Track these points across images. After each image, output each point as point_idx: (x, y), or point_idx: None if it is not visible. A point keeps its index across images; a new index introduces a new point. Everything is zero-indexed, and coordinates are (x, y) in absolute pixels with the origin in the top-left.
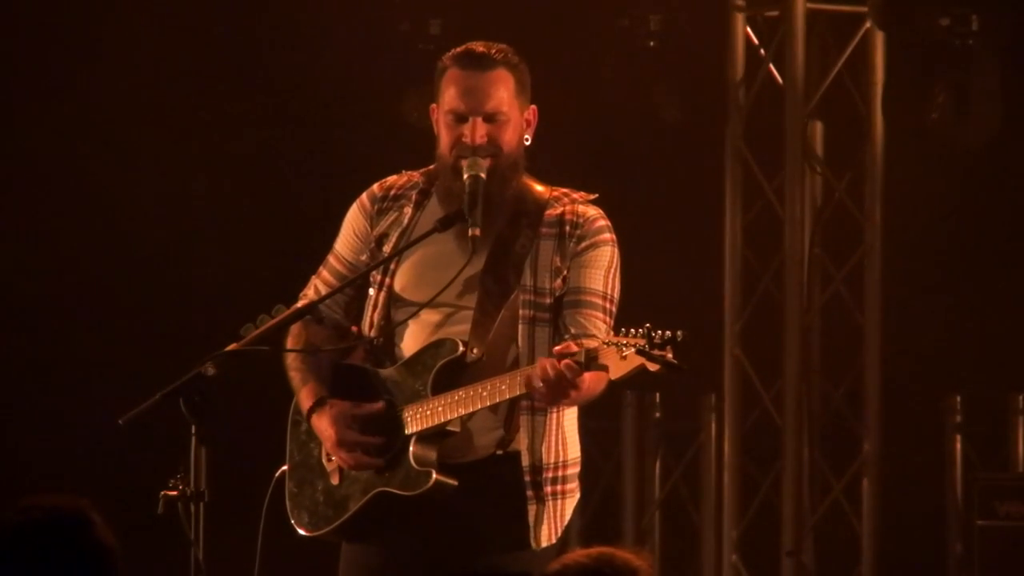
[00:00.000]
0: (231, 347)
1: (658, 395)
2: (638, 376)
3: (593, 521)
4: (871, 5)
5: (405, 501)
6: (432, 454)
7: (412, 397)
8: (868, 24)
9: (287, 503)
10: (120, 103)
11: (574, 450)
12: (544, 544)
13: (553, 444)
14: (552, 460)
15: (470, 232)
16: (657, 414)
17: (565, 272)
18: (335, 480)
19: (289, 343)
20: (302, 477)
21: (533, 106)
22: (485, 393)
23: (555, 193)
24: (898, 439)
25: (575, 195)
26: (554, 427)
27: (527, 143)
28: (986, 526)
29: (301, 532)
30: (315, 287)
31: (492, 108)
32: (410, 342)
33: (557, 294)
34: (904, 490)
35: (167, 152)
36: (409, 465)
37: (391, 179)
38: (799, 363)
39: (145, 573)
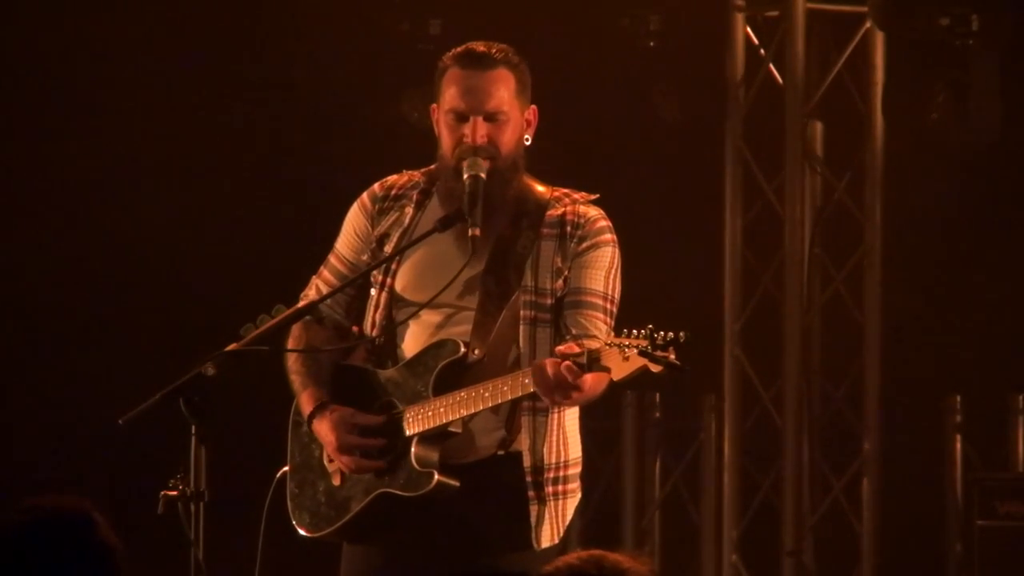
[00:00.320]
0: (231, 347)
1: (658, 395)
2: (640, 377)
3: (593, 521)
4: (871, 5)
5: (407, 502)
6: (434, 455)
7: (413, 398)
8: (868, 24)
9: (288, 504)
10: (120, 103)
11: (575, 450)
12: (546, 544)
13: (555, 444)
14: (554, 460)
15: (470, 232)
16: (657, 414)
17: (566, 272)
18: (337, 481)
19: (290, 344)
20: (303, 478)
21: (533, 106)
22: (487, 394)
23: (556, 193)
24: (898, 439)
25: (576, 195)
26: (555, 427)
27: (527, 143)
28: (986, 526)
29: (302, 533)
30: (316, 287)
31: (493, 107)
32: (411, 343)
33: (558, 295)
34: (904, 490)
35: (167, 152)
36: (411, 466)
37: (392, 178)
38: (799, 363)
39: (145, 573)
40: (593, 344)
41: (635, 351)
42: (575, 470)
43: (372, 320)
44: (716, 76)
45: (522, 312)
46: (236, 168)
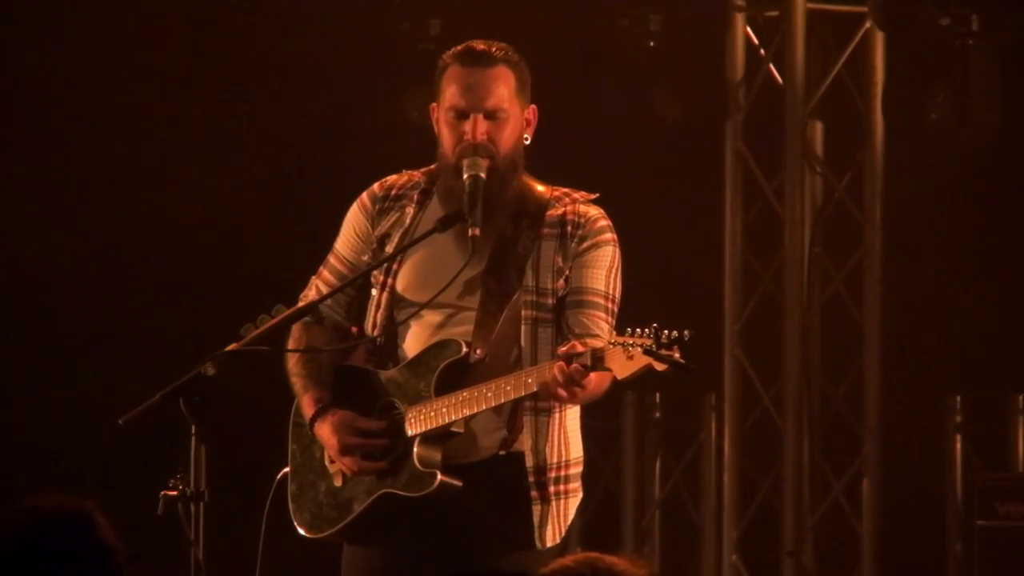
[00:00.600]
0: (231, 347)
1: (658, 395)
2: (642, 376)
3: (593, 521)
4: (871, 5)
5: (409, 502)
6: (436, 455)
7: (415, 398)
8: (868, 24)
9: (289, 505)
10: (120, 104)
11: (577, 450)
12: (549, 544)
13: (556, 444)
14: (556, 460)
15: (470, 232)
16: (657, 414)
17: (567, 272)
18: (338, 482)
19: (290, 345)
20: (304, 479)
21: (533, 106)
22: (490, 394)
23: (556, 193)
24: (898, 439)
25: (576, 195)
26: (557, 427)
27: (527, 142)
28: (986, 526)
29: (303, 533)
30: (316, 287)
31: (493, 105)
32: (412, 343)
33: (559, 294)
34: (904, 490)
35: (166, 152)
36: (413, 466)
37: (391, 178)
38: (799, 363)
39: (145, 573)
40: (597, 343)
41: (640, 350)
42: (577, 470)
43: (373, 320)
44: (716, 76)
45: (523, 312)
46: (236, 168)
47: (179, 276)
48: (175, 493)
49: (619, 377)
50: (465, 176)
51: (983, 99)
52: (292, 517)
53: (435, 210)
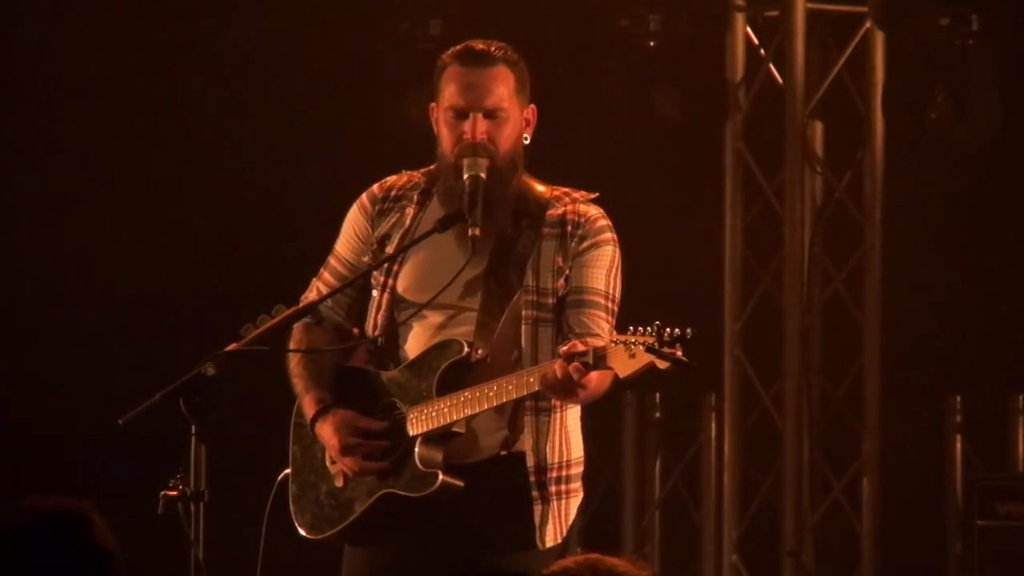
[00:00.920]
0: (231, 347)
1: (658, 395)
2: (646, 374)
3: (593, 521)
4: (871, 5)
5: (411, 502)
6: (438, 455)
7: (417, 399)
8: (868, 24)
9: (290, 506)
10: (121, 105)
11: (578, 450)
12: (549, 544)
13: (557, 444)
14: (557, 460)
15: (470, 232)
16: (657, 414)
17: (567, 272)
18: (339, 482)
19: (291, 346)
20: (305, 480)
21: (532, 105)
22: (491, 393)
23: (556, 193)
24: (898, 439)
25: (576, 194)
26: (558, 427)
27: (526, 142)
28: (986, 526)
29: (304, 534)
30: (316, 289)
31: (492, 104)
32: (413, 344)
33: (559, 294)
34: (904, 490)
35: (166, 152)
36: (415, 466)
37: (391, 179)
38: (799, 363)
39: (145, 573)
40: (598, 342)
41: (642, 348)
42: (578, 469)
43: (374, 321)
44: (716, 76)
45: (524, 312)
46: (235, 168)
47: (179, 276)
48: (175, 493)
49: (621, 375)
50: (465, 176)
51: (983, 99)
52: (293, 518)
53: (435, 211)
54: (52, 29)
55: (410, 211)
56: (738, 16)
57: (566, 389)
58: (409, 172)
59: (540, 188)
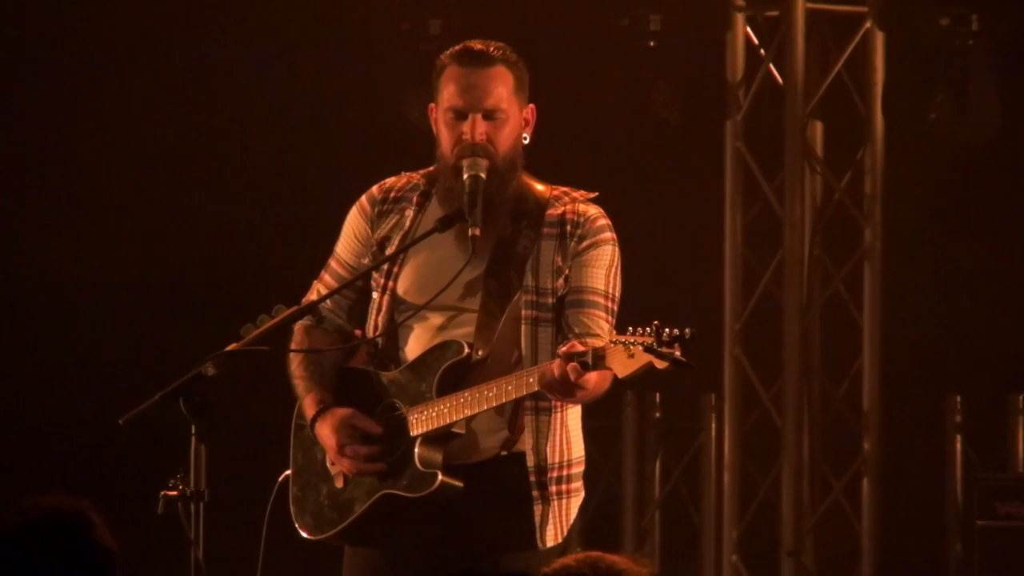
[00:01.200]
0: (231, 347)
1: (658, 395)
2: (644, 375)
3: (593, 521)
4: (871, 5)
5: (410, 503)
6: (437, 455)
7: (417, 399)
8: (868, 24)
9: (291, 507)
10: (120, 103)
11: (578, 449)
12: (550, 543)
13: (558, 444)
14: (557, 460)
15: (470, 232)
16: (657, 414)
17: (567, 272)
18: (339, 483)
19: (292, 347)
20: (306, 481)
21: (531, 105)
22: (491, 394)
23: (555, 192)
24: (898, 439)
25: (575, 194)
26: (558, 427)
27: (525, 142)
28: (986, 526)
29: (305, 536)
30: (316, 291)
31: (491, 104)
32: (414, 345)
33: (559, 294)
34: (904, 490)
35: (166, 152)
36: (414, 467)
37: (390, 181)
38: (799, 363)
39: (145, 573)
40: (597, 343)
41: (640, 348)
42: (578, 469)
43: (374, 323)
44: (716, 76)
45: (523, 312)
46: (235, 168)
47: (179, 276)
48: (175, 493)
49: (620, 376)
50: (465, 176)
51: (983, 99)
52: (294, 519)
53: (434, 212)
54: (53, 29)
55: (409, 212)
56: (738, 16)
57: (565, 389)
58: (408, 173)
59: (539, 187)
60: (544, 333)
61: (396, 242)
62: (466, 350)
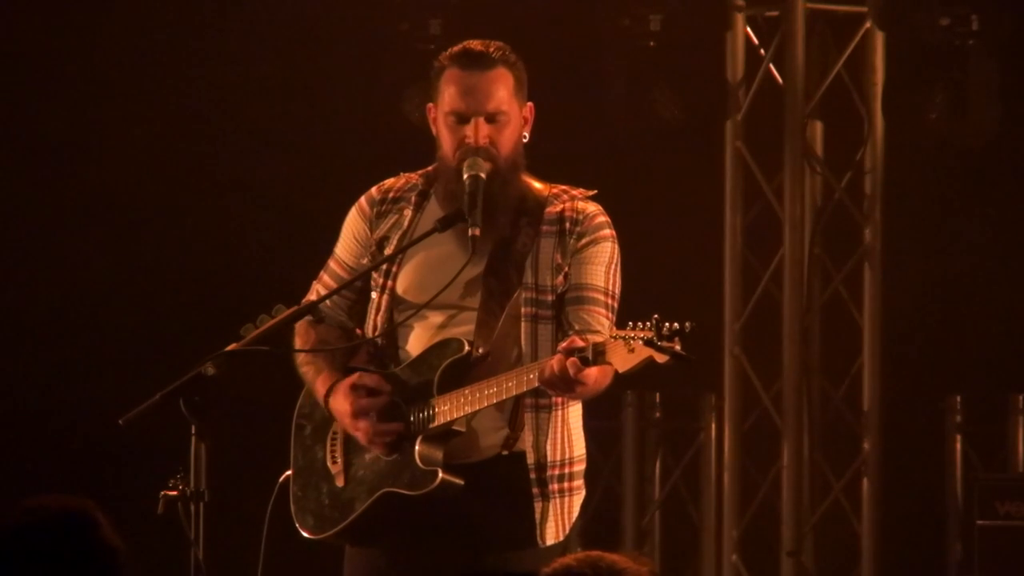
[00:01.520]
0: (231, 347)
1: (658, 395)
2: (643, 371)
3: (593, 521)
4: (871, 5)
5: (411, 501)
6: (438, 453)
7: (417, 397)
8: (868, 24)
9: (292, 507)
10: (121, 102)
11: (579, 448)
12: (550, 542)
13: (559, 442)
14: (558, 458)
15: (470, 232)
16: (657, 414)
17: (566, 269)
18: (340, 482)
19: (297, 344)
20: (307, 481)
21: (530, 103)
22: (491, 392)
23: (554, 190)
24: (898, 439)
25: (574, 191)
26: (559, 425)
27: (525, 140)
28: (986, 526)
29: (306, 535)
30: (316, 292)
31: (493, 108)
32: (414, 344)
33: (559, 291)
34: (904, 490)
35: (167, 152)
36: (415, 465)
37: (389, 182)
38: (799, 363)
39: (145, 573)
40: (597, 338)
41: (640, 342)
42: (580, 467)
43: (373, 323)
44: (716, 76)
45: (523, 309)
46: (235, 168)
47: (179, 276)
48: (175, 493)
49: (620, 370)
50: (465, 176)
51: (983, 99)
52: (295, 520)
53: (433, 212)
54: (53, 29)
55: (407, 212)
56: (738, 16)
57: (565, 384)
58: (407, 174)
59: (538, 186)
60: (544, 330)
61: (395, 242)
62: (466, 347)
